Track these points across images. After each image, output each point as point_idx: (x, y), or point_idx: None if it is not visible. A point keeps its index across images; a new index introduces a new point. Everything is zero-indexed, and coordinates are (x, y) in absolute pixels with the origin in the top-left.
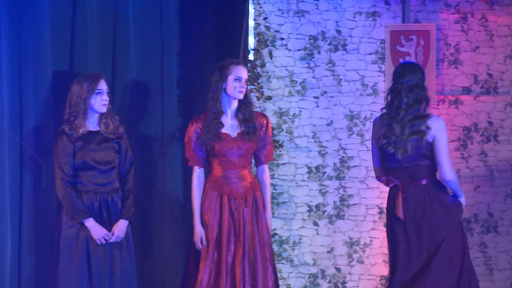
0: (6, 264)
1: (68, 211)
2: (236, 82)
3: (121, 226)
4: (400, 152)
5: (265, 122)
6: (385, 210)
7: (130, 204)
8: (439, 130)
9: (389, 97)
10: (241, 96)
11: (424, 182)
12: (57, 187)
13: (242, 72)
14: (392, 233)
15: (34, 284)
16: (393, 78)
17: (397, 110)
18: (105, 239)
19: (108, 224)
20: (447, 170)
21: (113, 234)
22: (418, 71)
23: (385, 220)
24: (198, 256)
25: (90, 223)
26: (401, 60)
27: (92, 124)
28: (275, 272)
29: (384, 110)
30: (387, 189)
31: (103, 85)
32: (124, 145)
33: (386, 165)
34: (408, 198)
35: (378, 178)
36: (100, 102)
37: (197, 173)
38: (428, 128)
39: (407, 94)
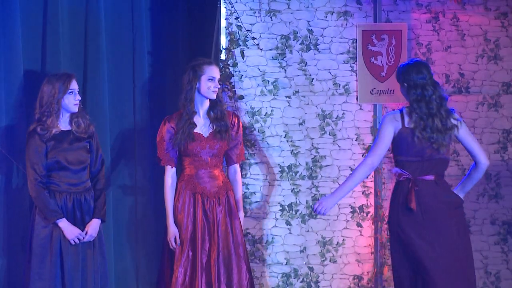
0: None
1: (41, 211)
2: (209, 82)
3: (94, 226)
4: (443, 148)
5: (236, 121)
6: (357, 210)
7: (102, 203)
8: (463, 122)
9: (412, 92)
10: (215, 96)
11: (432, 177)
12: (30, 187)
13: (215, 72)
14: (401, 231)
15: (6, 284)
16: (408, 74)
17: (427, 105)
18: (78, 239)
19: (81, 224)
20: (485, 154)
21: (86, 234)
22: (429, 68)
23: (358, 220)
24: (172, 255)
25: (63, 223)
26: (372, 60)
27: (63, 123)
28: (249, 270)
29: (407, 105)
30: (359, 188)
31: (74, 85)
32: (95, 144)
33: (403, 159)
34: (420, 192)
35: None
36: (73, 101)
37: (170, 173)
38: (458, 122)
39: (433, 90)
